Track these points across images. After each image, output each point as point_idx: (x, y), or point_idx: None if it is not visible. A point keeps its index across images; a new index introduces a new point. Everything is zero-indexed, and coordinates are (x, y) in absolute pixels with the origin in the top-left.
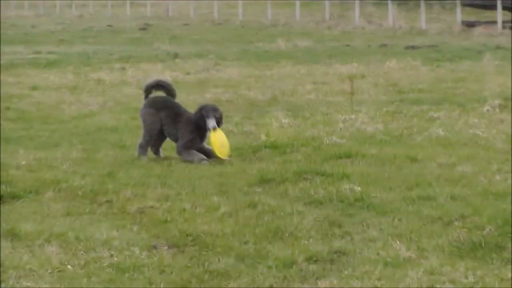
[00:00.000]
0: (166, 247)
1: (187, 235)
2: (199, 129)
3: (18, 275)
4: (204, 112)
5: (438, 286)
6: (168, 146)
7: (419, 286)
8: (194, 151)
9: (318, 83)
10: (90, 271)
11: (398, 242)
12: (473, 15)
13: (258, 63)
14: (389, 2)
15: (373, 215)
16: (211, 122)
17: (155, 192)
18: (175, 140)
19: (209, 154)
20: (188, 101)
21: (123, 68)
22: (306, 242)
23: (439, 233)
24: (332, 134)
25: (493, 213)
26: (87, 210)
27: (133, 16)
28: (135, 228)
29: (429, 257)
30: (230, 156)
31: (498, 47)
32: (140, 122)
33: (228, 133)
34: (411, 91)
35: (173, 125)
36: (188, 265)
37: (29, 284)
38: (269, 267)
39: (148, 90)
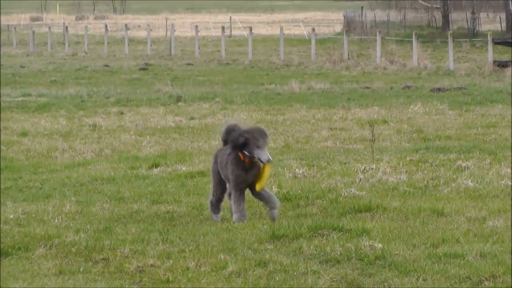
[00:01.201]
0: None
1: None
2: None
3: None
4: (251, 139)
5: None
6: (160, 199)
7: None
8: (242, 205)
9: (335, 129)
10: None
11: None
12: (506, 54)
13: (269, 107)
14: (414, 40)
15: (395, 275)
16: (264, 154)
17: (156, 249)
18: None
19: (267, 200)
20: (193, 149)
21: (121, 113)
22: None
23: None
24: (350, 185)
25: None
26: (81, 268)
27: (132, 55)
28: None
29: None
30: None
31: None
32: None
33: None
34: (437, 138)
35: (225, 166)
36: None
37: None
38: None
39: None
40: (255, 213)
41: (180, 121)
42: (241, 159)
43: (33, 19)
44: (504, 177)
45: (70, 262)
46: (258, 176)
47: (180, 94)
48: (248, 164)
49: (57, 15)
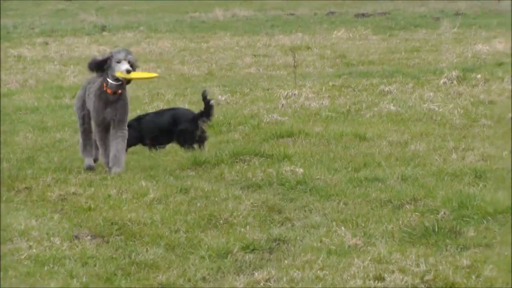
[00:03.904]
0: (89, 237)
1: (112, 223)
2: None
3: None
4: (113, 58)
5: (386, 275)
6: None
7: (365, 276)
8: (91, 146)
9: (259, 56)
10: (7, 263)
11: (343, 228)
12: None
13: (193, 35)
14: None
15: (317, 199)
16: (124, 65)
17: (78, 177)
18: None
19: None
20: None
21: (46, 43)
22: (242, 229)
23: (389, 218)
24: (273, 111)
25: (448, 195)
26: (4, 198)
27: None
28: (55, 216)
29: (377, 244)
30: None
31: (457, 13)
32: None
33: None
34: (360, 63)
35: (88, 97)
36: (114, 256)
37: None
38: (202, 258)
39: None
40: None
41: (104, 50)
42: (104, 90)
43: None
44: (427, 101)
45: None
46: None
47: (104, 23)
48: (112, 97)
49: None
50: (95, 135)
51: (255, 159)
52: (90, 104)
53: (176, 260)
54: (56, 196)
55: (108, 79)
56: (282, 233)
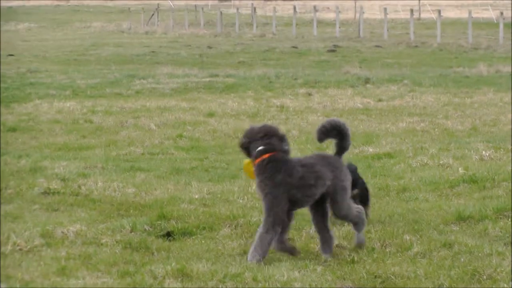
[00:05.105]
0: None
1: (375, 276)
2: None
3: None
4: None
5: None
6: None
7: None
8: (267, 239)
9: None
10: None
11: None
12: None
13: (457, 90)
14: None
15: None
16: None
17: (342, 229)
18: None
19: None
20: (380, 130)
21: (309, 94)
22: (506, 286)
23: None
24: None
25: None
26: None
27: (320, 36)
28: (318, 268)
29: None
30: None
31: None
32: None
33: (423, 166)
34: None
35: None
36: None
37: None
38: None
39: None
40: (441, 194)
41: (368, 102)
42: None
43: (221, 0)
44: None
45: None
46: None
47: (368, 76)
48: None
49: None
50: None
51: None
52: None
53: None
54: (319, 249)
55: None
56: None
